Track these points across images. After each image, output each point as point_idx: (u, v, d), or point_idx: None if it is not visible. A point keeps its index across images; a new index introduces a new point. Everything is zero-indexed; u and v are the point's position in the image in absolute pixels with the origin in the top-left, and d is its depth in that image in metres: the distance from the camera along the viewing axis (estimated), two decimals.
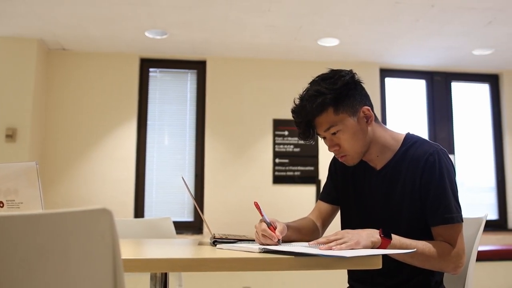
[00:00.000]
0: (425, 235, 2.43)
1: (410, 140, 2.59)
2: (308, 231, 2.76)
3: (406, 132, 2.68)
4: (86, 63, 7.55)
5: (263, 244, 2.23)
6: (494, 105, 8.48)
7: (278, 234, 2.27)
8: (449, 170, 2.45)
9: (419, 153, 2.49)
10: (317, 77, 2.58)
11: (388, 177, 2.58)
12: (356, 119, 2.51)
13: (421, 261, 2.32)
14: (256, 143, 7.69)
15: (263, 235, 2.27)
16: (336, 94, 2.46)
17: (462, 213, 2.42)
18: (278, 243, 2.25)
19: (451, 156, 7.83)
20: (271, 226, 2.31)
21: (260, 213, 2.34)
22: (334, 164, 2.90)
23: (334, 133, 2.51)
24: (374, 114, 2.60)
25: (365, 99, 2.57)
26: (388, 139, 2.61)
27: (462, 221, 2.40)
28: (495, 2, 5.79)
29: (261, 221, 2.35)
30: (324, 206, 2.90)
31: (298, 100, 2.55)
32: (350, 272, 2.81)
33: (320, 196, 2.96)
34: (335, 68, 2.60)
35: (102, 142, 7.41)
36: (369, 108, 2.54)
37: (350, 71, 2.57)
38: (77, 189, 7.25)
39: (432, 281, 2.54)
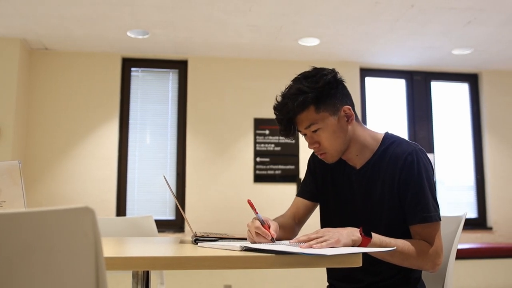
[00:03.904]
0: (405, 234, 2.44)
1: (389, 139, 2.61)
2: (290, 228, 2.79)
3: (385, 131, 2.70)
4: (69, 62, 7.53)
5: (256, 243, 2.25)
6: (473, 105, 8.54)
7: (272, 232, 2.29)
8: (427, 169, 2.47)
9: (397, 153, 2.51)
10: (299, 74, 2.59)
11: (367, 176, 2.60)
12: (337, 118, 2.53)
13: (401, 260, 2.34)
14: (237, 142, 7.70)
15: (257, 233, 2.29)
16: (317, 93, 2.48)
17: (441, 211, 2.45)
18: (272, 241, 2.26)
19: (430, 155, 7.92)
20: (265, 224, 2.32)
21: (254, 211, 2.36)
22: (313, 161, 2.89)
23: (314, 131, 2.53)
24: (355, 114, 2.62)
25: (346, 98, 2.59)
26: (367, 138, 2.62)
27: (440, 220, 2.42)
28: (474, 2, 5.83)
29: (254, 219, 2.36)
30: (303, 202, 2.88)
31: (280, 97, 2.56)
32: (330, 270, 2.83)
33: (299, 192, 2.94)
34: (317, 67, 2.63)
35: (84, 141, 7.40)
36: (350, 107, 2.56)
37: (333, 70, 2.59)
38: (59, 187, 7.23)
39: (411, 277, 2.57)
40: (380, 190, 2.54)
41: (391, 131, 2.70)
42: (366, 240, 2.19)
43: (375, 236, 2.24)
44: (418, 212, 2.41)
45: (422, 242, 2.38)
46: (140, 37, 6.92)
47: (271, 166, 7.70)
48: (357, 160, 2.65)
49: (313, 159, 2.90)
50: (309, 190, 2.89)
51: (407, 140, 2.61)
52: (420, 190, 2.43)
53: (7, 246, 1.21)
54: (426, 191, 2.43)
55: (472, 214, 8.25)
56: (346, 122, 2.55)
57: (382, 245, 2.25)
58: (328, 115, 2.51)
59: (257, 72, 7.89)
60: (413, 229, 2.44)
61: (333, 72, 2.57)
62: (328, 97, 2.51)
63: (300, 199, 2.91)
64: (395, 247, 2.22)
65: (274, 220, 2.68)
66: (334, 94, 2.53)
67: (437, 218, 2.41)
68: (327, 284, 2.85)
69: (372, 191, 2.57)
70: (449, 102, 8.58)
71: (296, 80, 2.58)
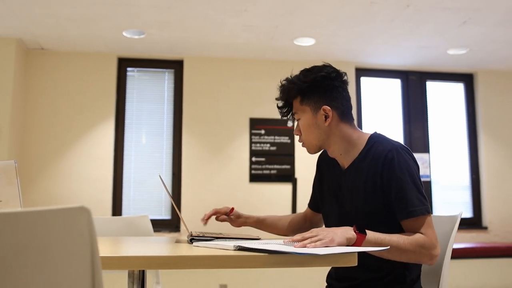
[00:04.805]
0: (394, 231, 2.44)
1: (374, 139, 2.65)
2: (295, 222, 3.12)
3: (373, 132, 2.74)
4: (65, 62, 7.52)
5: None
6: (468, 104, 8.55)
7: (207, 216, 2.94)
8: (409, 165, 2.50)
9: (379, 152, 2.55)
10: (312, 66, 2.74)
11: (352, 176, 2.65)
12: (316, 115, 2.64)
13: (398, 254, 2.35)
14: (233, 141, 7.71)
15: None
16: (301, 87, 2.66)
17: (436, 211, 2.47)
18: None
19: (425, 155, 7.94)
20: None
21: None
22: (318, 161, 3.01)
23: (298, 119, 2.72)
24: (349, 115, 2.71)
25: (333, 100, 2.66)
26: (354, 138, 2.68)
27: (428, 213, 2.43)
28: (469, 2, 5.85)
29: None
30: (310, 211, 3.12)
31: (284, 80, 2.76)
32: (332, 270, 2.86)
33: (308, 203, 3.15)
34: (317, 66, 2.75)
35: (80, 141, 7.40)
36: (330, 108, 2.63)
37: (334, 71, 2.69)
38: (55, 187, 7.23)
39: (408, 277, 2.57)
40: (363, 189, 2.57)
41: (380, 131, 2.74)
42: (360, 237, 2.21)
43: (370, 233, 2.26)
44: (403, 207, 2.44)
45: (417, 235, 2.39)
46: (136, 37, 6.92)
47: (267, 166, 7.70)
48: (344, 160, 2.71)
49: (319, 159, 3.02)
50: (312, 200, 3.11)
51: (389, 139, 2.65)
52: (404, 185, 2.45)
53: (3, 246, 1.22)
54: (409, 186, 2.45)
55: (467, 213, 8.27)
56: (323, 121, 2.64)
57: (377, 241, 2.27)
58: (308, 109, 2.66)
59: (253, 72, 7.90)
60: (404, 224, 2.47)
61: (328, 74, 2.66)
62: (312, 93, 2.65)
63: (308, 209, 3.13)
64: (389, 246, 2.23)
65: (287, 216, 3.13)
66: (318, 92, 2.65)
67: (424, 211, 2.42)
68: (326, 284, 2.87)
69: (358, 190, 2.61)
70: (445, 102, 8.60)
71: (301, 71, 2.74)
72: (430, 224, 2.43)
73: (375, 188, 2.52)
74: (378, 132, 2.73)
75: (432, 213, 2.48)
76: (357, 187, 2.60)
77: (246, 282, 6.77)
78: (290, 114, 2.80)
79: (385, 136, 2.68)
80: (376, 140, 2.64)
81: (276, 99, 2.80)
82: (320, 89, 2.64)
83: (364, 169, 2.58)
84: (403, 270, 2.55)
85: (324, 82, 2.65)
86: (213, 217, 2.95)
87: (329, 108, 2.62)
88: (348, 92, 2.74)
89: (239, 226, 2.98)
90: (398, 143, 2.60)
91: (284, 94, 2.73)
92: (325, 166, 2.90)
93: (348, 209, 2.66)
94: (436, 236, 2.41)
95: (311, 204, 3.09)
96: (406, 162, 2.50)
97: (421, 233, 2.40)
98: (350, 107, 2.74)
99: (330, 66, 2.71)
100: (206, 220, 2.86)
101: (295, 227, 3.02)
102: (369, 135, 2.69)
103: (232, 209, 2.95)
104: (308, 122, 2.66)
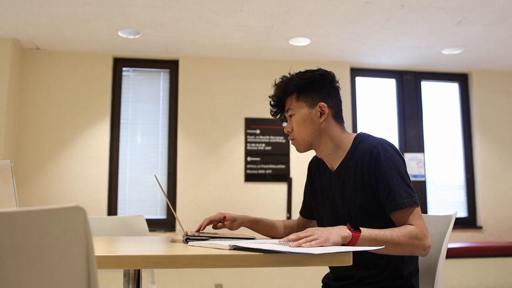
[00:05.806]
0: (387, 226, 2.46)
1: (359, 138, 2.70)
2: (290, 227, 3.11)
3: (359, 132, 2.79)
4: (60, 62, 7.52)
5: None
6: (463, 104, 8.56)
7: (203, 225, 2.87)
8: (394, 158, 2.54)
9: (364, 149, 2.59)
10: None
11: (342, 177, 2.68)
12: (312, 111, 2.70)
13: (393, 248, 2.36)
14: (228, 141, 7.71)
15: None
16: (299, 83, 2.74)
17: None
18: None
19: (420, 155, 7.94)
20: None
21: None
22: (309, 166, 3.05)
23: (290, 116, 2.77)
24: (340, 118, 2.78)
25: (329, 98, 2.74)
26: (342, 139, 2.74)
27: (417, 204, 2.46)
28: (464, 2, 5.85)
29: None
30: (303, 219, 3.15)
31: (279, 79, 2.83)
32: (329, 271, 2.87)
33: (300, 210, 3.17)
34: (308, 68, 2.83)
35: (75, 141, 7.39)
36: (326, 105, 2.70)
37: (330, 72, 2.80)
38: (51, 187, 7.22)
39: (404, 271, 2.58)
40: (353, 187, 2.61)
41: (367, 131, 2.79)
42: (356, 234, 2.23)
43: (364, 230, 2.28)
44: (390, 200, 2.47)
45: (408, 226, 2.41)
46: (131, 37, 6.92)
47: (262, 166, 7.70)
48: (333, 160, 2.76)
49: (309, 165, 3.06)
50: (304, 208, 3.14)
51: (373, 136, 2.70)
52: (390, 179, 2.48)
53: None
54: (395, 179, 2.48)
55: (462, 213, 8.28)
56: (318, 117, 2.70)
57: (372, 237, 2.29)
58: (304, 105, 2.72)
59: (248, 72, 7.90)
60: (393, 217, 2.49)
61: (326, 73, 2.78)
62: (309, 90, 2.72)
63: (300, 216, 3.17)
64: (383, 242, 2.29)
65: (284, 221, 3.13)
66: (316, 89, 2.72)
67: (412, 203, 2.45)
68: (321, 284, 2.89)
69: (348, 189, 2.64)
70: (439, 102, 8.60)
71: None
72: (419, 215, 2.46)
73: (363, 184, 2.56)
74: (363, 132, 2.78)
75: (419, 205, 2.51)
76: (347, 186, 2.63)
77: (241, 281, 6.78)
78: (280, 114, 2.87)
79: (369, 134, 2.72)
80: (361, 138, 2.68)
81: (269, 96, 2.84)
82: (317, 86, 2.72)
83: (352, 167, 2.63)
84: (399, 264, 2.57)
85: (322, 80, 2.73)
86: (205, 216, 2.95)
87: (325, 105, 2.69)
88: (340, 96, 2.82)
89: (237, 228, 2.96)
90: (383, 139, 2.64)
91: (281, 89, 2.77)
92: (316, 171, 2.94)
93: (340, 209, 2.69)
94: (426, 227, 2.44)
95: (303, 211, 3.12)
96: (391, 156, 2.54)
97: (411, 225, 2.42)
98: (342, 110, 2.82)
99: (325, 70, 2.79)
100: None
101: (290, 231, 3.02)
102: (355, 135, 2.74)
103: (225, 217, 2.91)
104: (303, 117, 2.71)
